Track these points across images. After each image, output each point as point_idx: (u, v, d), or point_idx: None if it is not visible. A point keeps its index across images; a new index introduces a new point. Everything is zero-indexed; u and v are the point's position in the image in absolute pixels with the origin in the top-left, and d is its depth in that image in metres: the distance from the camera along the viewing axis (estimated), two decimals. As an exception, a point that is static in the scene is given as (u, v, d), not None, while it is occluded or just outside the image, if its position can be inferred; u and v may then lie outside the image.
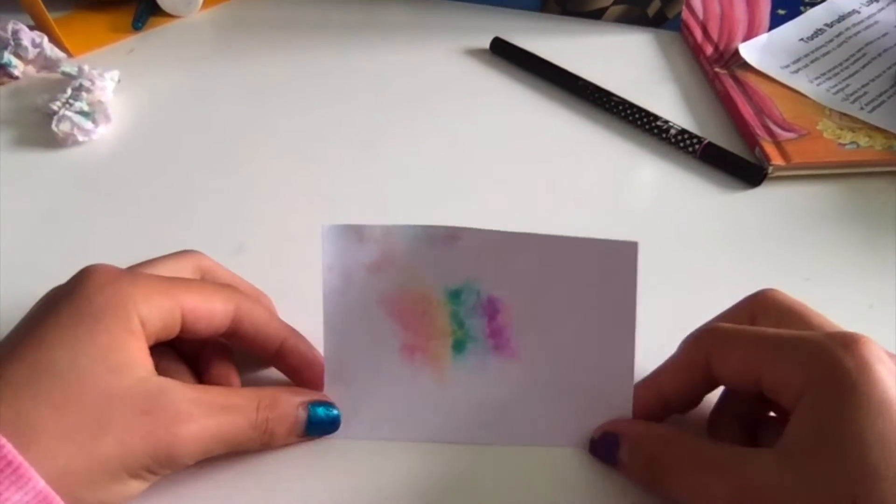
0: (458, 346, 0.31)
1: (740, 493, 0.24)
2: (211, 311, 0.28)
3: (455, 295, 0.31)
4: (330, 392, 0.31)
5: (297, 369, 0.31)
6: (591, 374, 0.30)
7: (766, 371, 0.26)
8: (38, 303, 0.28)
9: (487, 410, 0.31)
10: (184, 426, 0.25)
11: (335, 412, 0.30)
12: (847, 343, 0.25)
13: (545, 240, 0.30)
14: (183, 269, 0.31)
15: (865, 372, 0.24)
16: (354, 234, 0.30)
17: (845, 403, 0.23)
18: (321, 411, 0.30)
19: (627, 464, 0.28)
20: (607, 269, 0.30)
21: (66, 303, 0.26)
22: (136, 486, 0.26)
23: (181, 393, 0.26)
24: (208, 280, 0.32)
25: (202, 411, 0.26)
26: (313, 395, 0.30)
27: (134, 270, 0.29)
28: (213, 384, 0.30)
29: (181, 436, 0.25)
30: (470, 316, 0.31)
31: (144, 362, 0.26)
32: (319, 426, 0.30)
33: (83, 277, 0.27)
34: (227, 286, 0.30)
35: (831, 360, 0.24)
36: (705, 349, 0.28)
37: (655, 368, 0.30)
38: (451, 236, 0.31)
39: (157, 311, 0.27)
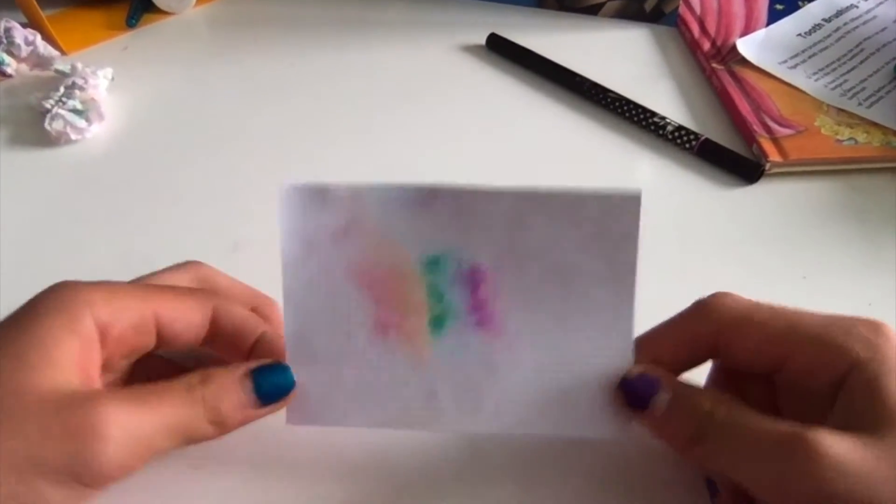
0: (437, 323, 0.27)
1: (819, 478, 0.22)
2: (188, 314, 0.27)
3: (433, 263, 0.27)
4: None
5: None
6: (585, 348, 0.27)
7: (794, 354, 0.25)
8: None
9: (471, 395, 0.28)
10: (108, 420, 0.23)
11: (285, 368, 0.27)
12: (870, 324, 0.25)
13: (534, 195, 0.27)
14: (181, 280, 0.30)
15: None
16: (318, 195, 0.27)
17: None
18: (267, 373, 0.27)
19: (661, 418, 0.26)
20: (605, 226, 0.27)
21: (26, 305, 0.25)
22: (61, 496, 0.23)
23: (104, 392, 0.25)
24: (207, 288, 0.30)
25: (127, 404, 0.24)
26: (254, 363, 0.27)
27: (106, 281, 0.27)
28: None
29: (106, 432, 0.23)
30: (450, 287, 0.27)
31: (78, 362, 0.24)
32: (272, 388, 0.27)
33: (50, 286, 0.26)
34: (206, 290, 0.29)
35: (873, 339, 0.24)
36: (711, 328, 0.26)
37: (653, 329, 0.28)
38: (428, 195, 0.27)
39: (125, 313, 0.25)
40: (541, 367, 0.27)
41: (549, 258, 0.27)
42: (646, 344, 0.28)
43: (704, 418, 0.25)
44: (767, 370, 0.26)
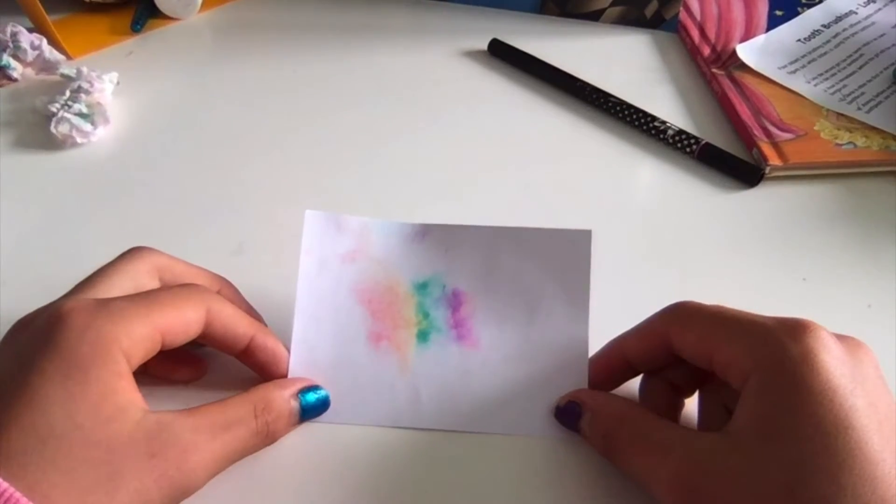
0: (422, 336, 0.32)
1: (685, 475, 0.25)
2: (186, 322, 0.28)
3: (422, 287, 0.33)
4: (295, 374, 0.31)
5: (264, 365, 0.31)
6: (547, 360, 0.32)
7: (716, 351, 0.26)
8: (6, 339, 0.27)
9: (449, 397, 0.31)
10: (192, 458, 0.26)
11: (324, 392, 0.31)
12: (794, 330, 0.25)
13: (506, 232, 0.33)
14: (140, 272, 0.30)
15: (809, 360, 0.24)
16: (333, 223, 0.33)
17: (788, 392, 0.24)
18: (311, 397, 0.30)
19: (588, 434, 0.29)
20: (563, 257, 0.32)
21: (50, 355, 0.25)
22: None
23: (181, 424, 0.26)
24: (168, 279, 0.31)
25: (206, 437, 0.26)
26: (299, 384, 0.30)
27: (103, 299, 0.27)
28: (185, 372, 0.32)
29: (192, 468, 0.26)
30: (435, 307, 0.33)
31: (137, 402, 0.26)
32: (312, 411, 0.30)
33: (59, 323, 0.25)
34: (194, 288, 0.30)
35: (777, 346, 0.25)
36: (667, 324, 0.29)
37: (626, 331, 0.30)
38: (421, 232, 0.33)
39: (140, 342, 0.27)
40: (509, 377, 0.32)
41: (516, 285, 0.33)
42: (616, 345, 0.31)
43: (609, 426, 0.28)
44: (702, 361, 0.27)
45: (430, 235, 0.33)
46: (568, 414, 0.30)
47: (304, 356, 0.31)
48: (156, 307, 0.27)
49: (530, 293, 0.32)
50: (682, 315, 0.28)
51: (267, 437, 0.28)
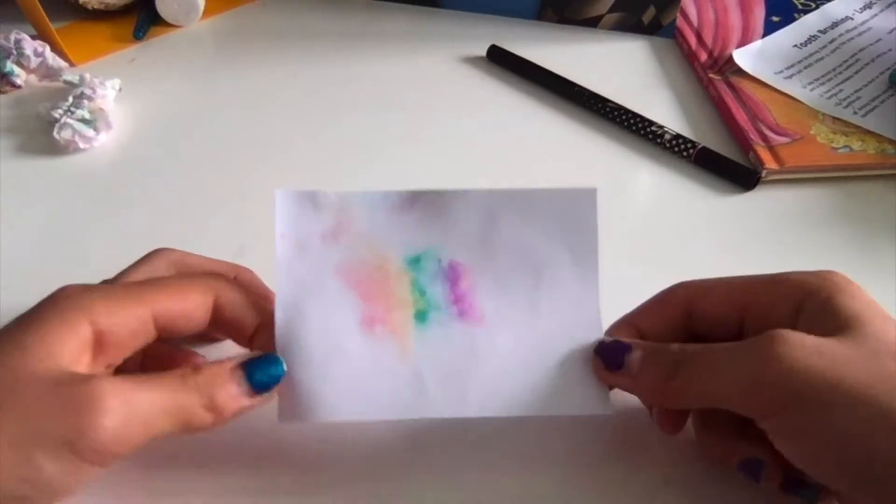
0: (421, 316, 0.29)
1: (785, 373, 0.24)
2: (187, 308, 0.28)
3: (415, 262, 0.30)
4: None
5: None
6: (558, 330, 0.29)
7: (754, 301, 0.28)
8: None
9: (457, 381, 0.29)
10: (106, 394, 0.24)
11: (275, 359, 0.28)
12: (823, 270, 0.28)
13: (503, 194, 0.30)
14: (158, 268, 0.30)
15: (851, 282, 0.27)
16: (309, 200, 0.29)
17: (852, 297, 0.26)
18: (259, 363, 0.27)
19: (636, 371, 0.28)
20: (567, 217, 0.30)
21: (25, 312, 0.26)
22: (59, 470, 0.23)
23: (103, 373, 0.25)
24: (184, 272, 0.31)
25: (125, 383, 0.25)
26: (245, 355, 0.28)
27: (101, 285, 0.28)
28: None
29: (104, 405, 0.24)
30: (431, 283, 0.29)
31: (75, 353, 0.25)
32: (265, 378, 0.27)
33: (50, 294, 0.26)
34: (204, 276, 0.29)
35: (821, 276, 0.27)
36: (684, 294, 0.29)
37: (631, 310, 0.30)
38: (409, 200, 0.29)
39: (123, 320, 0.26)
40: (520, 352, 0.29)
41: (519, 250, 0.30)
42: (624, 322, 0.30)
43: (677, 354, 0.27)
44: (733, 321, 0.28)
45: (420, 204, 0.29)
46: (614, 349, 0.28)
47: (290, 353, 0.28)
48: (152, 292, 0.27)
49: (534, 258, 0.30)
50: (699, 283, 0.29)
51: (204, 400, 0.26)
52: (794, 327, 0.25)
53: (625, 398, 0.30)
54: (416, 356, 0.29)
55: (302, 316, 0.29)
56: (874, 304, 0.26)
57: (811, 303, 0.26)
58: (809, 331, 0.25)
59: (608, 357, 0.28)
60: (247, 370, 0.27)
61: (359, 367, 0.28)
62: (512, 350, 0.29)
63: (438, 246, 0.30)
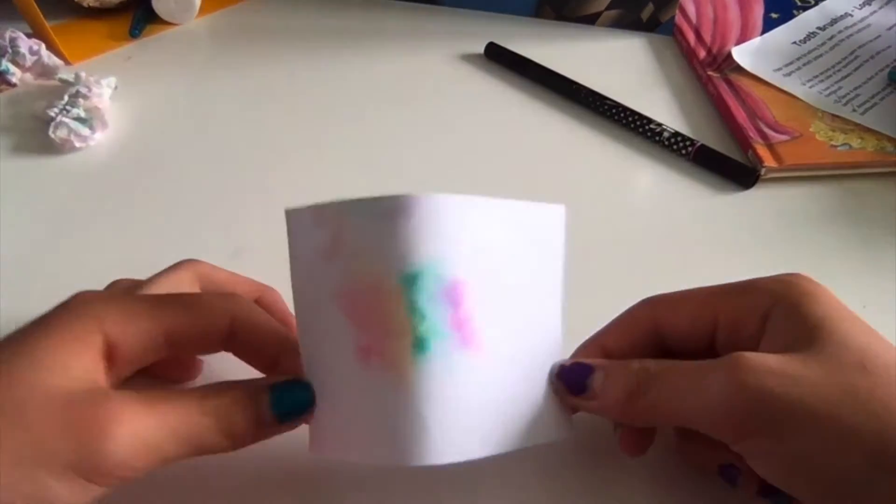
0: (421, 345, 0.24)
1: (749, 394, 0.24)
2: (200, 329, 0.27)
3: (412, 280, 0.24)
4: None
5: None
6: (525, 355, 0.27)
7: (722, 310, 0.27)
8: None
9: (463, 422, 0.25)
10: (116, 418, 0.23)
11: (304, 386, 0.26)
12: (790, 274, 0.27)
13: (489, 204, 0.26)
14: (181, 280, 0.30)
15: (819, 286, 0.27)
16: (309, 217, 0.26)
17: (821, 304, 0.26)
18: (286, 389, 0.26)
19: (599, 392, 0.27)
20: (533, 236, 0.27)
21: (36, 318, 0.25)
22: (65, 490, 0.23)
23: (115, 393, 0.24)
24: (208, 288, 0.31)
25: (137, 405, 0.24)
26: (272, 378, 0.27)
27: (125, 293, 0.27)
28: None
29: (113, 430, 0.23)
30: (433, 305, 0.25)
31: (88, 366, 0.24)
32: (290, 406, 0.26)
33: (64, 301, 0.26)
34: (222, 297, 0.28)
35: (789, 282, 0.27)
36: (652, 308, 0.29)
37: (598, 330, 0.29)
38: (406, 207, 0.24)
39: (134, 336, 0.25)
40: (501, 381, 0.26)
41: (502, 268, 0.26)
42: (591, 342, 0.29)
43: (639, 373, 0.26)
44: (704, 334, 0.28)
45: (419, 211, 0.25)
46: (575, 373, 0.27)
47: (314, 381, 0.26)
48: (168, 309, 0.26)
49: (511, 277, 0.27)
50: (665, 298, 0.29)
51: (221, 425, 0.25)
52: (761, 337, 0.26)
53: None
54: (416, 393, 0.24)
55: (314, 344, 0.26)
56: (840, 308, 0.26)
57: (777, 311, 0.26)
58: (776, 341, 0.25)
59: (570, 381, 0.27)
60: (273, 396, 0.26)
61: (351, 405, 0.25)
62: (500, 380, 0.26)
63: (439, 259, 0.25)
